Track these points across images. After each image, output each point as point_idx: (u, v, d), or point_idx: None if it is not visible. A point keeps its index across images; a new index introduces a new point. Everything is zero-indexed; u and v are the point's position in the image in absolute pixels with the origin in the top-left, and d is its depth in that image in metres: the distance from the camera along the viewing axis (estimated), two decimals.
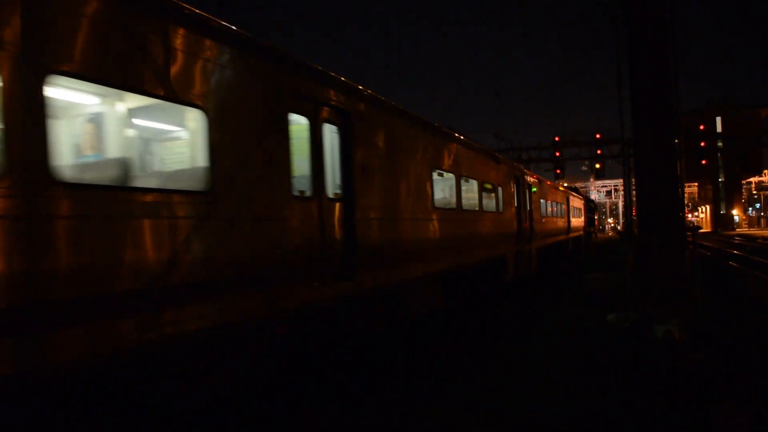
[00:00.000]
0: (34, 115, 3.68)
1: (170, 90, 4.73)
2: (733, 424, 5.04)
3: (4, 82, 3.51)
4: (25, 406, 3.72)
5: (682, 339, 8.03)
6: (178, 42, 4.85)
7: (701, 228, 69.95)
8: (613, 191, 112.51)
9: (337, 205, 7.01)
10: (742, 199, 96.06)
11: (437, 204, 10.26)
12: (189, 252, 4.71)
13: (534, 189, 19.58)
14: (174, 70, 4.77)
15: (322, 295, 6.43)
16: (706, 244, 38.57)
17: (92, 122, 5.16)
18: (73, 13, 4.01)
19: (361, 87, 7.98)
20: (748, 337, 8.81)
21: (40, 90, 3.72)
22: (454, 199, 11.29)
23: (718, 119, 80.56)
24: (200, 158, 5.09)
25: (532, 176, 20.63)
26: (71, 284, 3.83)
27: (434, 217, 10.05)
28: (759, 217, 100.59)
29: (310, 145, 6.52)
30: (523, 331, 10.80)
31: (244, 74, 5.60)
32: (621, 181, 47.73)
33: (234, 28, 5.61)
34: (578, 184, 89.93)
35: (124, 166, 4.74)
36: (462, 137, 12.28)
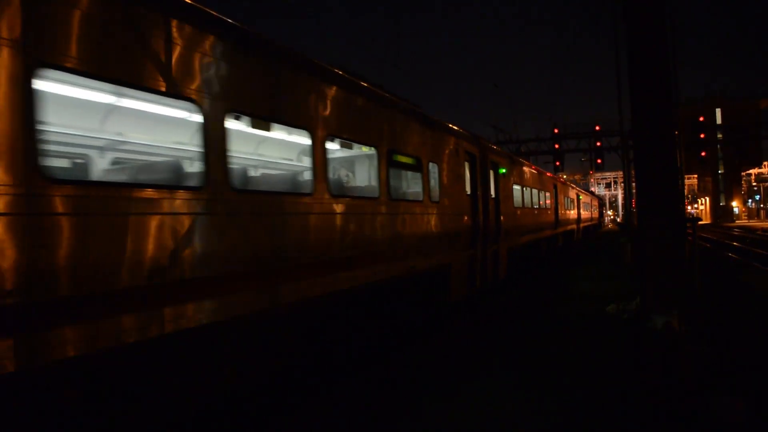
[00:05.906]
0: None
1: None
2: (732, 414, 5.08)
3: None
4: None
5: (682, 330, 8.06)
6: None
7: (701, 219, 69.98)
8: (612, 183, 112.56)
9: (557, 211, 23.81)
10: (742, 190, 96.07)
11: (559, 209, 25.39)
12: (554, 217, 23.68)
13: (581, 197, 37.09)
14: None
15: (552, 232, 22.77)
16: (705, 235, 38.64)
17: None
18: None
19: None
20: (746, 328, 8.85)
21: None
22: (556, 204, 25.16)
23: (718, 111, 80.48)
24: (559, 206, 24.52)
25: (582, 192, 39.12)
26: None
27: (559, 216, 24.96)
28: (758, 209, 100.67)
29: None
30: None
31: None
32: (620, 173, 47.64)
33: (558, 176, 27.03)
34: (577, 176, 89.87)
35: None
36: (573, 185, 33.03)
